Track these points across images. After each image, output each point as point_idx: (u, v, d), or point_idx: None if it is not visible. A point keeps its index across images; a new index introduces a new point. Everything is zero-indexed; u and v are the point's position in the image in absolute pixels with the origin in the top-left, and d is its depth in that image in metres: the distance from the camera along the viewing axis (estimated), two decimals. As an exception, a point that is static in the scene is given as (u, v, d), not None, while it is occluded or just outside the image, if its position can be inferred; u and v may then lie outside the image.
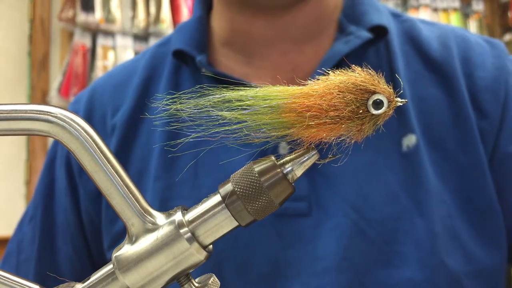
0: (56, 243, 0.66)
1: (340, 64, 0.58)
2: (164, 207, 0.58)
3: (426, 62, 0.62)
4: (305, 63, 0.62)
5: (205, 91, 0.34)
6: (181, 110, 0.34)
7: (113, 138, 0.64)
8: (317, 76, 0.34)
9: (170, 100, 0.34)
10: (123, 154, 0.63)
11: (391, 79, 0.58)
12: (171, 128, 0.36)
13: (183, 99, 0.34)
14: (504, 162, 0.59)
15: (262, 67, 0.63)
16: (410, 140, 0.58)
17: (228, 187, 0.33)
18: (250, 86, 0.34)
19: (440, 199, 0.57)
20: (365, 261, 0.54)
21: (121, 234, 0.61)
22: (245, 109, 0.33)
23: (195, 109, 0.34)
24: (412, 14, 2.84)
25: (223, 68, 0.64)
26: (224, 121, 0.33)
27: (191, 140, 0.34)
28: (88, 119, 0.67)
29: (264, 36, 0.62)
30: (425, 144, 0.58)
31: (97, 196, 0.63)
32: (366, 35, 0.60)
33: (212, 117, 0.33)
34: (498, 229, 0.58)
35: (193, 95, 0.34)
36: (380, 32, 0.61)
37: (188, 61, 0.65)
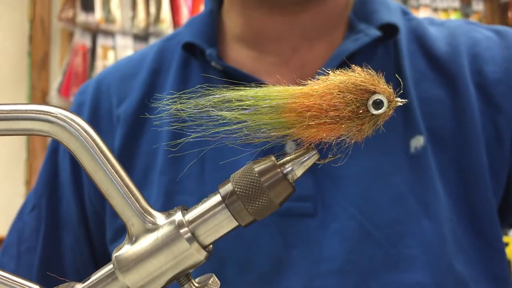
0: (61, 233, 0.66)
1: (349, 61, 0.57)
2: (169, 202, 0.58)
3: (430, 61, 0.61)
4: (315, 60, 0.61)
5: (205, 91, 0.34)
6: (185, 110, 0.34)
7: (118, 129, 0.64)
8: (317, 76, 0.34)
9: (176, 98, 0.34)
10: (130, 147, 0.63)
11: (398, 79, 0.58)
12: (176, 127, 0.36)
13: (187, 98, 0.34)
14: None
15: (272, 63, 0.62)
16: (418, 142, 0.57)
17: (228, 187, 0.33)
18: (257, 84, 0.34)
19: (444, 203, 0.56)
20: (371, 264, 0.53)
21: (123, 228, 0.61)
22: (245, 109, 0.33)
23: (198, 109, 0.34)
24: (412, 14, 2.84)
25: (233, 63, 0.64)
26: (224, 121, 0.33)
27: (200, 137, 0.34)
28: (95, 110, 0.66)
29: (277, 33, 0.61)
30: (430, 146, 0.57)
31: None
32: (375, 33, 0.59)
33: (213, 117, 0.33)
34: (497, 235, 0.57)
35: (194, 95, 0.34)
36: (390, 30, 0.60)
37: (197, 55, 0.64)
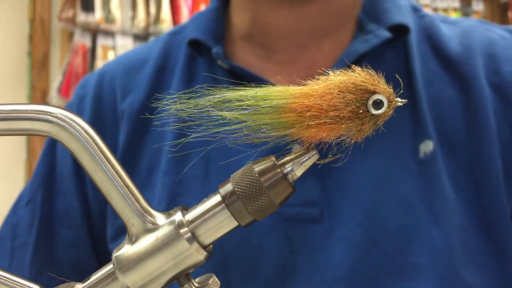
0: (55, 228, 0.64)
1: (357, 63, 0.56)
2: (173, 202, 0.57)
3: (442, 61, 0.60)
4: (323, 60, 0.60)
5: (205, 91, 0.34)
6: (187, 109, 0.34)
7: (123, 125, 0.63)
8: (317, 76, 0.34)
9: (182, 97, 0.34)
10: (135, 145, 0.62)
11: (407, 81, 0.57)
12: (180, 126, 0.35)
13: (192, 97, 0.34)
14: None
15: (280, 62, 0.61)
16: (427, 147, 0.55)
17: (228, 187, 0.33)
18: (257, 84, 0.34)
19: (454, 209, 0.55)
20: (377, 273, 0.52)
21: (124, 228, 0.60)
22: (245, 109, 0.33)
23: (201, 109, 0.34)
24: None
25: (240, 62, 0.63)
26: (225, 121, 0.33)
27: (201, 137, 0.34)
28: (98, 103, 0.65)
29: (285, 28, 0.60)
30: (440, 150, 0.56)
31: None
32: (385, 34, 0.58)
33: (217, 116, 0.33)
34: (509, 241, 0.56)
35: (199, 94, 0.34)
36: (400, 30, 0.59)
37: (203, 52, 0.63)
